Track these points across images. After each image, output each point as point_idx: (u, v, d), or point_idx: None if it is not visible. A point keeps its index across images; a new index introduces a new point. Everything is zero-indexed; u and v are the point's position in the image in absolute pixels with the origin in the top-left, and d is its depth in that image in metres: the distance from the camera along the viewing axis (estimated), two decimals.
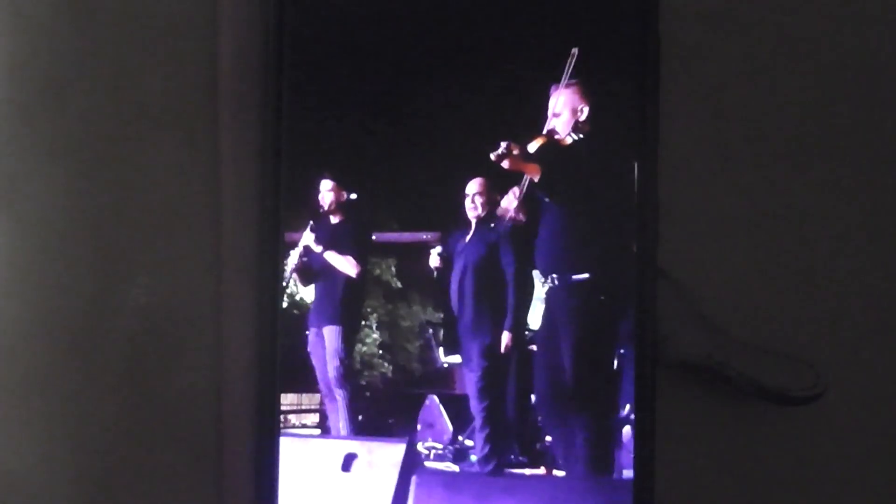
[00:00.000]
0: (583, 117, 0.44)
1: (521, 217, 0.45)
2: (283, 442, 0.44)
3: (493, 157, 0.44)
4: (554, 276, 0.44)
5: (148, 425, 0.46)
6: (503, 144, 0.43)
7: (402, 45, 0.44)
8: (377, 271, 0.47)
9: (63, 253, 0.47)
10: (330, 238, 0.47)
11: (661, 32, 0.43)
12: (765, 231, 0.45)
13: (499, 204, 0.45)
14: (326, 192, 0.46)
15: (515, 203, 0.44)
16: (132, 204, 0.47)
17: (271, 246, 0.45)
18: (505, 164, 0.44)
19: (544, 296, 0.45)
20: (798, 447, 0.45)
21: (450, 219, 0.45)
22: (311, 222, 0.46)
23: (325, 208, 0.46)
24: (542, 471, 0.44)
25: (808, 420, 0.44)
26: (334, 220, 0.47)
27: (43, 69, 0.47)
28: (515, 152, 0.43)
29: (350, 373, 0.46)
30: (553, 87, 0.43)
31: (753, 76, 0.45)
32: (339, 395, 0.46)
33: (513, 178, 0.44)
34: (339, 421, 0.46)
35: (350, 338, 0.47)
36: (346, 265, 0.47)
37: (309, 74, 0.44)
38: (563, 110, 0.43)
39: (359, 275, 0.47)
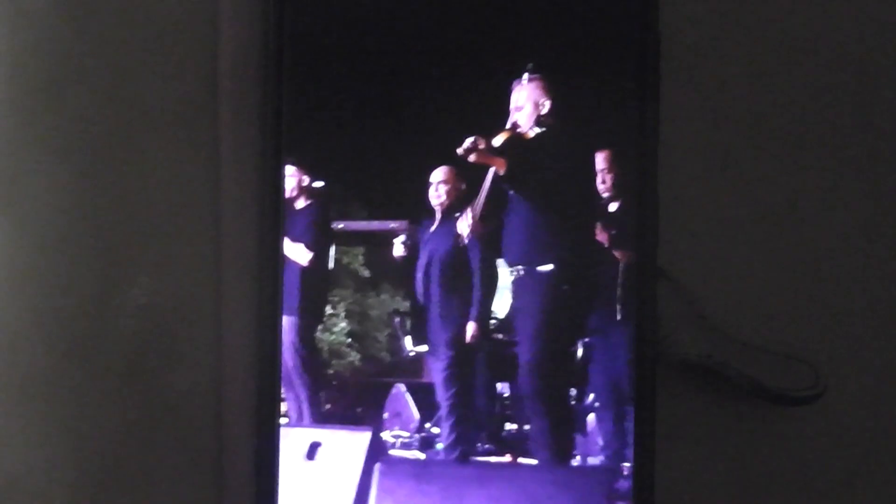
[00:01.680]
0: (544, 111, 0.44)
1: (480, 229, 0.45)
2: None
3: (459, 151, 0.44)
4: (519, 266, 0.45)
5: (148, 425, 0.46)
6: (470, 139, 0.44)
7: (391, 42, 0.45)
8: (345, 260, 0.47)
9: (63, 253, 0.47)
10: (290, 225, 0.46)
11: (661, 32, 0.43)
12: (765, 231, 0.45)
13: (458, 214, 0.45)
14: (288, 178, 0.46)
15: (470, 223, 0.45)
16: (132, 204, 0.47)
17: (271, 246, 0.45)
18: (472, 158, 0.44)
19: (510, 285, 0.45)
20: (798, 447, 0.45)
21: (417, 207, 0.45)
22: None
23: (288, 194, 0.46)
24: (507, 458, 0.45)
25: (808, 420, 0.44)
26: (298, 205, 0.47)
27: (43, 69, 0.47)
28: (482, 146, 0.44)
29: (309, 364, 0.46)
30: (515, 82, 0.44)
31: (753, 76, 0.45)
32: (298, 385, 0.46)
33: (478, 167, 0.45)
34: (301, 410, 0.46)
35: (309, 329, 0.46)
36: (298, 253, 0.46)
37: (309, 74, 0.45)
38: (526, 104, 0.44)
39: (312, 262, 0.46)
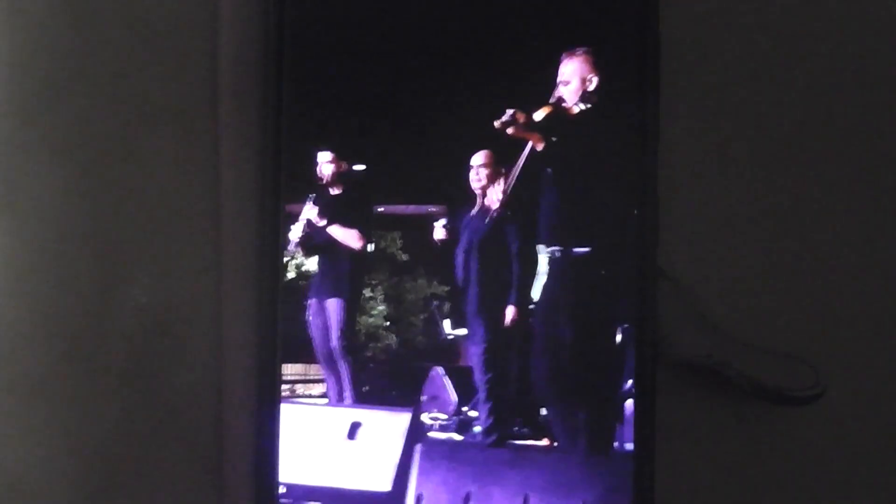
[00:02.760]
0: (591, 87, 0.43)
1: (507, 202, 0.45)
2: (291, 410, 0.45)
3: (497, 124, 0.43)
4: (555, 248, 0.44)
5: (148, 425, 0.46)
6: (509, 112, 0.43)
7: (408, 18, 0.44)
8: (383, 244, 0.47)
9: (63, 253, 0.47)
10: (331, 211, 0.47)
11: (661, 32, 0.43)
12: (765, 231, 0.45)
13: (485, 194, 0.45)
14: (325, 164, 0.46)
15: (501, 197, 0.44)
16: (132, 204, 0.47)
17: (271, 245, 0.45)
18: (509, 131, 0.43)
19: (546, 268, 0.45)
20: (798, 447, 0.45)
21: (457, 192, 0.45)
22: (314, 195, 0.46)
23: (326, 180, 0.46)
24: (544, 442, 0.45)
25: (808, 420, 0.44)
26: (334, 191, 0.47)
27: (43, 69, 0.47)
28: (521, 120, 0.43)
29: (353, 344, 0.46)
30: (564, 56, 0.43)
31: (753, 76, 0.45)
32: (342, 365, 0.46)
33: (518, 149, 0.44)
34: (343, 391, 0.46)
35: (352, 310, 0.47)
36: (352, 238, 0.47)
37: (309, 73, 0.45)
38: (573, 78, 0.43)
39: (362, 247, 0.47)
